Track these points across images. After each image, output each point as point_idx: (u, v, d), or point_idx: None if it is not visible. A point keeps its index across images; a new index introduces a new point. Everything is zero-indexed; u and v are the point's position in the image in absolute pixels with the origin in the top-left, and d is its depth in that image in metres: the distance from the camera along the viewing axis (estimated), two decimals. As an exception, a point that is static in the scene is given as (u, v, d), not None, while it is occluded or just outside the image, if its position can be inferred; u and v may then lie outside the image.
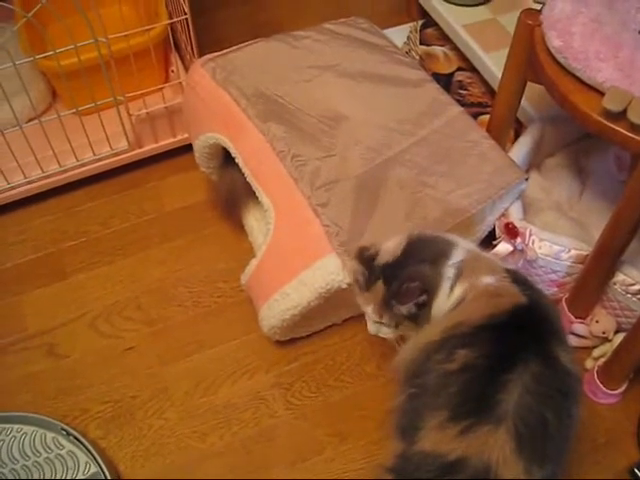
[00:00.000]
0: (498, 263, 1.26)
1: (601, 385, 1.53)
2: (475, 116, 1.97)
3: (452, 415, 1.06)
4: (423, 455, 1.07)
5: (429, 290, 1.21)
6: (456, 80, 2.11)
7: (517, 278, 1.21)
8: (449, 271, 1.21)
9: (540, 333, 1.13)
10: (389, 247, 1.26)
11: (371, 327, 1.31)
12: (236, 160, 1.58)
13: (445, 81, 2.09)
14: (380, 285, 1.23)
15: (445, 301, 1.21)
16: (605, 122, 1.26)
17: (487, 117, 1.85)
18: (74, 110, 1.77)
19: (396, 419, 1.19)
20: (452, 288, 1.21)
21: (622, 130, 1.24)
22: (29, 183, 1.86)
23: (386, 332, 1.29)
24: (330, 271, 1.39)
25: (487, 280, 1.19)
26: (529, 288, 1.20)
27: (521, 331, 1.12)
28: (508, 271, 1.22)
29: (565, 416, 1.09)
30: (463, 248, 1.25)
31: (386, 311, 1.24)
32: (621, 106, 1.22)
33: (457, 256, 1.23)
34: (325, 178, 1.49)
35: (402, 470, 1.11)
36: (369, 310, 1.27)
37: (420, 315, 1.22)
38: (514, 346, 1.10)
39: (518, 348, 1.09)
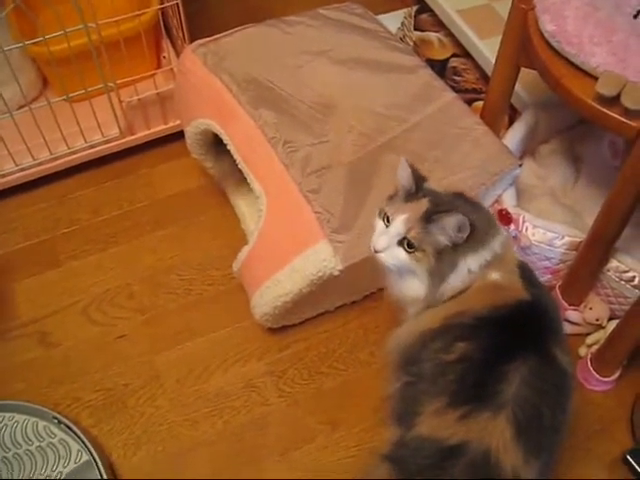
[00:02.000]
0: (514, 255, 1.23)
1: (594, 372, 1.53)
2: (470, 102, 1.96)
3: (451, 401, 1.06)
4: (421, 440, 1.07)
5: (470, 241, 1.14)
6: (451, 66, 2.10)
7: (525, 274, 1.19)
8: (487, 254, 1.17)
9: (540, 331, 1.12)
10: (448, 184, 1.22)
11: (379, 241, 1.18)
12: (227, 146, 1.57)
13: (439, 67, 2.08)
14: (425, 202, 1.16)
15: (462, 276, 1.16)
16: (598, 107, 1.25)
17: (482, 103, 1.83)
18: (65, 97, 1.76)
19: (392, 406, 1.19)
20: (478, 270, 1.16)
21: (615, 115, 1.23)
22: (20, 171, 1.85)
23: (390, 256, 1.17)
24: (322, 258, 1.38)
25: (495, 275, 1.17)
26: (534, 285, 1.19)
27: (521, 327, 1.12)
28: (520, 265, 1.20)
29: (559, 412, 1.09)
30: (503, 236, 1.21)
31: (420, 226, 1.14)
32: (615, 91, 1.21)
33: (496, 245, 1.19)
34: (317, 164, 1.48)
35: (399, 456, 1.10)
36: (399, 220, 1.15)
37: (443, 257, 1.14)
38: (513, 342, 1.09)
39: (517, 344, 1.09)
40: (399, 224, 1.16)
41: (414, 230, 1.14)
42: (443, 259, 1.15)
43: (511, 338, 1.10)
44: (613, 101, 1.22)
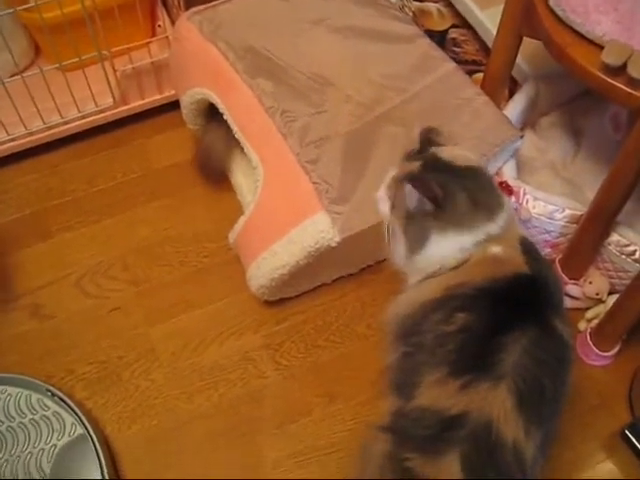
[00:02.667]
0: (516, 231, 1.19)
1: (594, 347, 1.52)
2: (469, 74, 1.93)
3: (451, 371, 1.04)
4: (421, 410, 1.05)
5: (442, 214, 1.11)
6: (450, 37, 2.06)
7: (528, 248, 1.16)
8: (480, 234, 1.13)
9: (540, 303, 1.10)
10: (463, 155, 1.18)
11: (382, 188, 1.20)
12: (224, 116, 1.55)
13: (439, 38, 2.05)
14: (417, 164, 1.15)
15: (451, 251, 1.14)
16: (604, 77, 1.22)
17: (482, 75, 1.81)
18: (57, 65, 1.72)
19: (391, 376, 1.17)
20: (472, 247, 1.14)
21: (621, 85, 1.20)
22: (12, 140, 1.82)
23: (381, 204, 1.19)
24: (320, 229, 1.36)
25: (495, 249, 1.14)
26: (536, 260, 1.15)
27: (520, 300, 1.10)
28: (522, 241, 1.17)
29: (559, 383, 1.08)
30: (506, 214, 1.17)
31: (396, 186, 1.15)
32: (620, 60, 1.19)
33: (496, 224, 1.14)
34: (315, 135, 1.46)
35: (398, 427, 1.09)
36: (389, 175, 1.18)
37: (415, 223, 1.13)
38: (513, 313, 1.07)
39: (517, 316, 1.07)
40: (387, 179, 1.17)
41: (391, 189, 1.16)
42: (415, 225, 1.14)
43: (511, 310, 1.08)
44: (619, 71, 1.20)
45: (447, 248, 1.14)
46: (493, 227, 1.14)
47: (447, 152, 1.18)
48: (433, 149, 1.18)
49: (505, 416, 1.00)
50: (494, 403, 1.00)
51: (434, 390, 1.04)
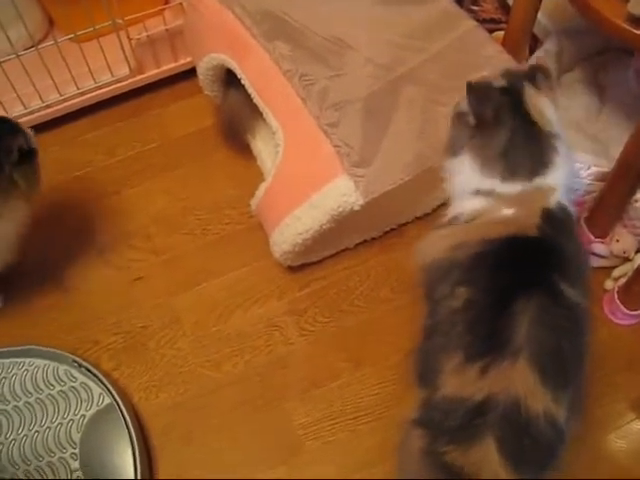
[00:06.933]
0: (544, 201, 1.12)
1: (621, 305, 1.50)
2: (489, 33, 1.90)
3: (467, 356, 1.03)
4: (447, 401, 1.04)
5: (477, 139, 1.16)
6: (468, -4, 2.03)
7: (550, 217, 1.11)
8: (492, 185, 1.14)
9: (544, 268, 1.07)
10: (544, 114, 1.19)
11: None
12: (242, 81, 1.53)
13: (456, -3, 2.02)
14: (501, 81, 1.19)
15: (468, 186, 1.17)
16: (630, 29, 1.20)
17: (501, 34, 1.78)
18: (72, 35, 1.71)
19: (414, 365, 1.16)
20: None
21: (648, 37, 1.18)
22: (30, 114, 1.81)
23: None
24: (342, 193, 1.35)
25: (507, 211, 1.12)
26: (555, 228, 1.11)
27: (520, 264, 1.07)
28: (546, 210, 1.11)
29: (578, 341, 1.06)
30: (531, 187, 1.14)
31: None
32: (647, 11, 1.16)
33: (517, 187, 1.14)
34: (334, 98, 1.44)
35: (429, 420, 1.07)
36: None
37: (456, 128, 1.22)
38: (512, 280, 1.06)
39: (518, 282, 1.05)
40: None
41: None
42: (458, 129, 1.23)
43: (511, 275, 1.06)
44: (646, 22, 1.18)
45: (467, 179, 1.17)
46: (507, 187, 1.13)
47: (534, 99, 1.18)
48: (528, 87, 1.18)
49: (531, 390, 0.99)
50: (517, 381, 0.99)
51: (455, 379, 1.03)
